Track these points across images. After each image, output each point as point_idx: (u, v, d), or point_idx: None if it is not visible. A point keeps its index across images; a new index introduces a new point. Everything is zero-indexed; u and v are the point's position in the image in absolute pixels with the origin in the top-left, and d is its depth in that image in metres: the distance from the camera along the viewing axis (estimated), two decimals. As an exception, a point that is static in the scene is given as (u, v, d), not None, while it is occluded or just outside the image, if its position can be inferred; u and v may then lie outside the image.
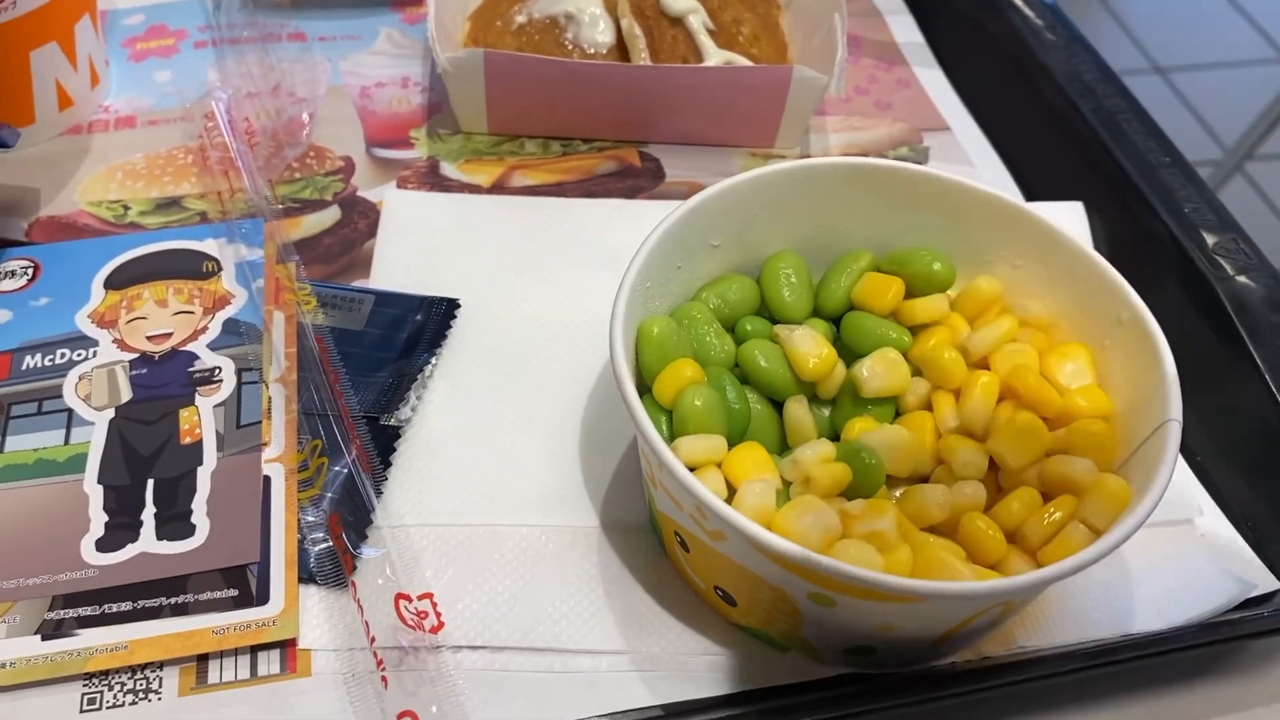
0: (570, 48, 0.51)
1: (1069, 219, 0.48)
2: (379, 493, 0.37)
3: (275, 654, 0.34)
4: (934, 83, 0.56)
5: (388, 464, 0.38)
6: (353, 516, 0.36)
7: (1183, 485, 0.40)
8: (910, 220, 0.40)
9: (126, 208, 0.46)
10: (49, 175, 0.48)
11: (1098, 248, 0.48)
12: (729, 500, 0.33)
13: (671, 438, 0.35)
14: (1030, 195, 0.50)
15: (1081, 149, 0.50)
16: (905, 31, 0.59)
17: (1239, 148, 1.27)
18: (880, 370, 0.36)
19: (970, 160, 0.51)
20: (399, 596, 0.34)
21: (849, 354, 0.38)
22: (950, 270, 0.38)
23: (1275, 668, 0.36)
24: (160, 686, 0.33)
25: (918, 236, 0.40)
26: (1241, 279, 0.44)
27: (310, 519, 0.36)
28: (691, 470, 0.33)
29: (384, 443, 0.38)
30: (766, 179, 0.38)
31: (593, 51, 0.51)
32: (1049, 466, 0.34)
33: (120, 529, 0.36)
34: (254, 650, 0.34)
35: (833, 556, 0.30)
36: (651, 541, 0.37)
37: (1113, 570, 0.37)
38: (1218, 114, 1.28)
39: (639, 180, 0.49)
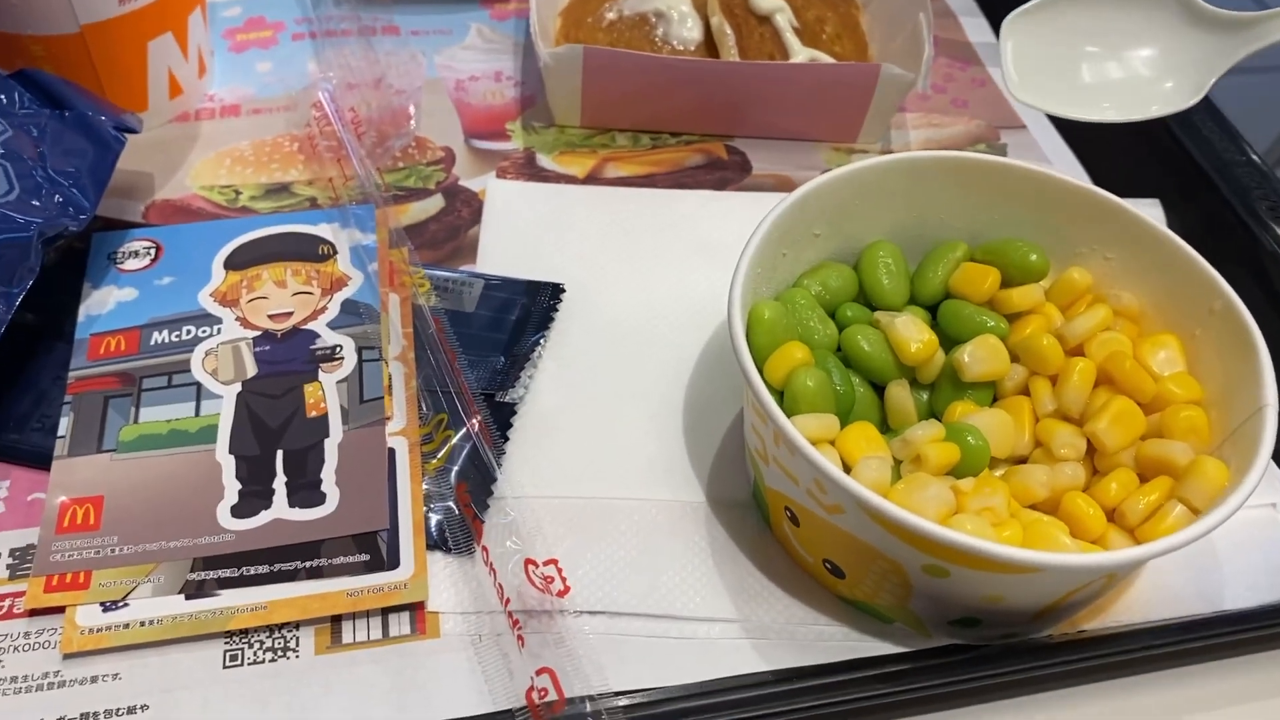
0: (660, 44, 0.52)
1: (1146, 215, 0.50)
2: (499, 465, 0.38)
3: (405, 616, 0.36)
4: (1008, 82, 0.57)
5: (506, 438, 0.39)
6: (478, 486, 0.38)
7: (1269, 473, 0.41)
8: (1004, 213, 0.41)
9: (238, 192, 0.48)
10: (161, 160, 0.50)
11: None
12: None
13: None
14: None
15: (1155, 146, 0.52)
16: (979, 32, 0.60)
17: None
18: (982, 355, 0.38)
19: (1046, 157, 0.53)
20: (527, 561, 0.35)
21: (946, 340, 0.40)
22: (1045, 261, 0.40)
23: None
24: (297, 645, 0.35)
25: (1011, 229, 0.41)
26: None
27: (436, 488, 0.38)
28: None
29: (501, 418, 0.40)
30: (869, 171, 0.40)
31: (682, 48, 0.52)
32: (1145, 449, 0.36)
33: (253, 496, 0.38)
34: (385, 612, 0.36)
35: (950, 529, 0.32)
36: (755, 517, 0.39)
37: (1201, 550, 0.38)
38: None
39: (727, 172, 0.51)
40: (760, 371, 0.37)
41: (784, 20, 0.52)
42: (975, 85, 0.57)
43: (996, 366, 0.38)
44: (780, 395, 0.36)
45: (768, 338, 0.37)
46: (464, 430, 0.39)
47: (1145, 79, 0.43)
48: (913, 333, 0.38)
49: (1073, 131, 0.55)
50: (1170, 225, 0.50)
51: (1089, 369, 0.37)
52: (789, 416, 0.36)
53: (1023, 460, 0.38)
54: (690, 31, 0.53)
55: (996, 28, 0.61)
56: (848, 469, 0.34)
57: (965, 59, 0.59)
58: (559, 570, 0.36)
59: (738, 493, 0.39)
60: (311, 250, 0.45)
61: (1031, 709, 0.36)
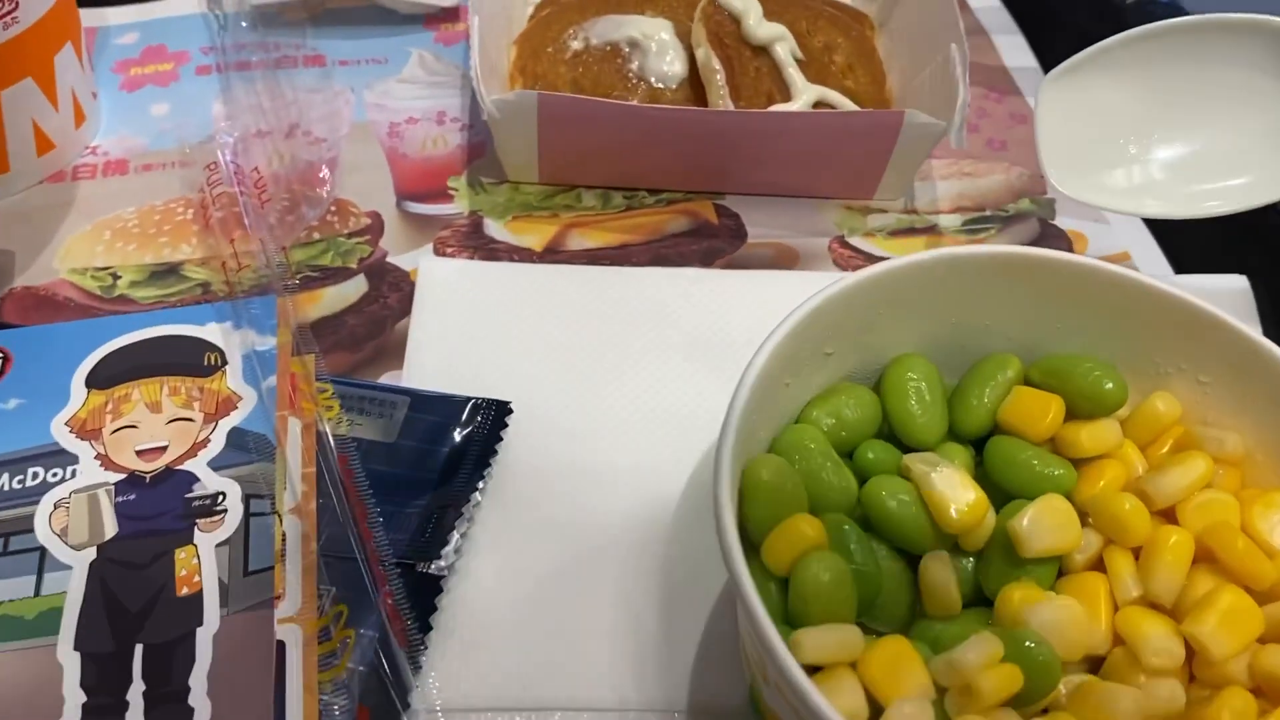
0: (635, 81, 0.43)
1: (1231, 298, 0.41)
2: (416, 667, 0.30)
3: None
4: (1052, 117, 0.48)
5: (427, 628, 0.31)
6: (386, 705, 0.29)
7: None
8: (1066, 320, 0.33)
9: (116, 277, 0.39)
10: (25, 235, 0.41)
11: (1266, 331, 0.40)
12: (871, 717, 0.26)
13: (786, 614, 0.28)
14: (1179, 265, 0.43)
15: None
16: (1016, 54, 0.51)
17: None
18: (1047, 525, 0.29)
19: (1104, 216, 0.44)
20: (447, 827, 0.27)
21: (994, 489, 0.31)
22: (1123, 388, 0.31)
23: None
24: None
25: (1075, 340, 0.33)
26: None
27: (338, 705, 0.29)
28: (817, 670, 0.27)
29: (423, 598, 0.31)
30: (896, 274, 0.31)
31: (661, 86, 0.43)
32: (1264, 659, 0.27)
33: (100, 713, 0.29)
34: None
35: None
36: (755, 727, 0.30)
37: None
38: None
39: (716, 241, 0.42)
40: (759, 552, 0.28)
41: (785, 51, 0.43)
42: (1014, 122, 0.48)
43: (1065, 539, 0.29)
44: (784, 583, 0.28)
45: (768, 508, 0.28)
46: (371, 619, 0.30)
47: (1233, 158, 0.32)
48: (955, 490, 0.29)
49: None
50: (1262, 307, 0.41)
51: (1185, 544, 0.29)
52: (797, 625, 0.27)
53: (1099, 659, 0.29)
54: (671, 65, 0.43)
55: (1038, 48, 0.52)
56: (874, 707, 0.26)
57: (1001, 88, 0.49)
58: (489, 834, 0.27)
59: (730, 695, 0.31)
60: (196, 360, 0.36)
61: None
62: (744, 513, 0.29)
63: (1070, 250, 0.41)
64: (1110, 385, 0.31)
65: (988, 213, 0.44)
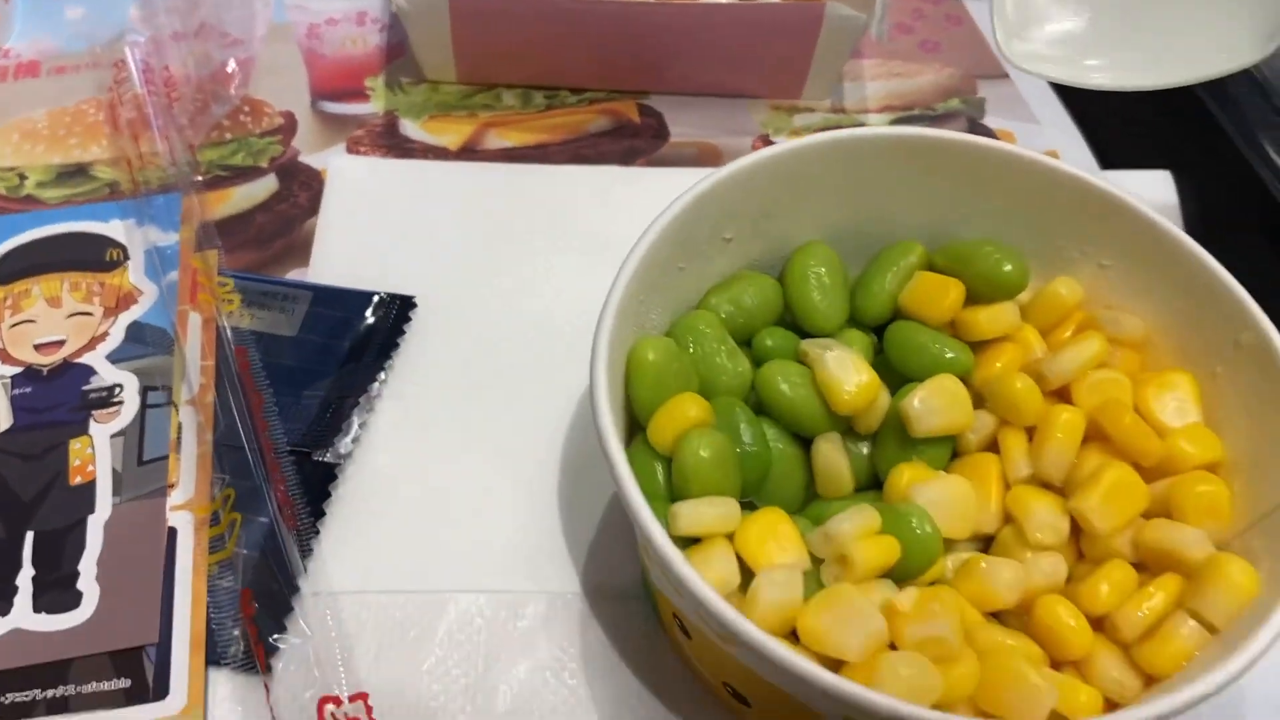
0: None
1: (1153, 192, 0.40)
2: (307, 551, 0.30)
3: (177, 761, 0.27)
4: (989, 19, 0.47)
5: (320, 513, 0.31)
6: (271, 586, 0.29)
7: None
8: (971, 205, 0.32)
9: (23, 177, 0.39)
10: (-67, 136, 0.40)
11: (1187, 228, 0.40)
12: (743, 584, 0.26)
13: (671, 493, 0.28)
14: (1106, 161, 0.42)
15: (1169, 105, 0.42)
16: (955, -45, 0.50)
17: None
18: (937, 405, 0.28)
19: (1034, 116, 0.43)
20: (324, 700, 0.27)
21: (893, 374, 0.30)
22: (1024, 271, 0.31)
23: None
24: (32, 804, 0.27)
25: (980, 225, 0.32)
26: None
27: (224, 585, 0.29)
28: (696, 542, 0.26)
29: (317, 485, 0.31)
30: (793, 155, 0.31)
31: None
32: (1147, 534, 0.27)
33: (-11, 596, 0.29)
34: (151, 756, 0.27)
35: (877, 675, 0.23)
36: (646, 611, 0.30)
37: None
38: None
39: (637, 140, 0.41)
40: (644, 433, 0.28)
41: (708, -54, 0.42)
42: (950, 24, 0.47)
43: (955, 418, 0.29)
44: (670, 463, 0.28)
45: (652, 389, 0.28)
46: (261, 506, 0.30)
47: (1193, 25, 0.30)
48: (847, 372, 0.29)
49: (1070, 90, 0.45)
50: (1184, 203, 0.40)
51: (1075, 423, 0.28)
52: (678, 498, 0.27)
53: (988, 538, 0.29)
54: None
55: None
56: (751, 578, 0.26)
57: (938, -11, 0.48)
58: (368, 709, 0.27)
59: (626, 579, 0.31)
60: (97, 256, 0.36)
61: None
62: (630, 393, 0.28)
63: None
64: (1009, 268, 0.30)
65: (916, 112, 0.43)
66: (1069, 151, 0.42)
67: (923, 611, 0.25)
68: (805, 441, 0.30)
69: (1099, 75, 0.31)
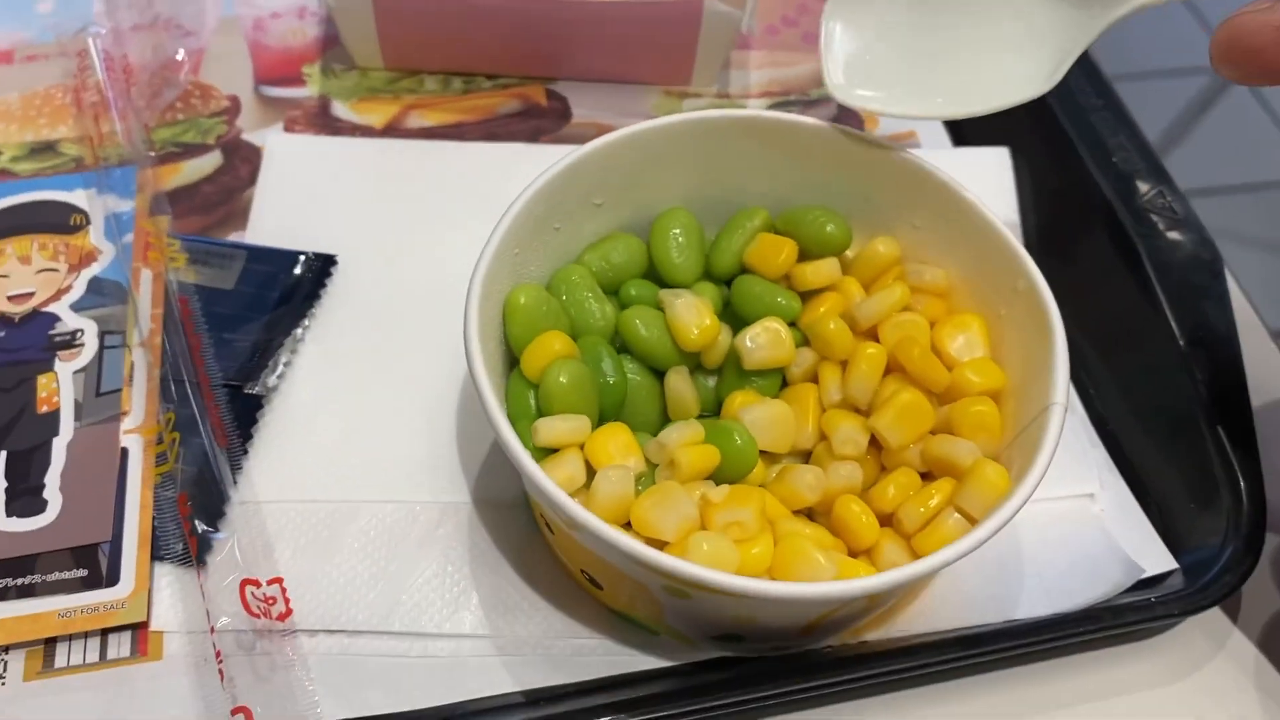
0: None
1: (993, 166, 0.46)
2: (237, 468, 0.35)
3: (126, 636, 0.33)
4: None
5: (249, 436, 0.36)
6: (205, 495, 0.34)
7: (1084, 456, 0.38)
8: (809, 176, 0.37)
9: (-2, 152, 0.44)
10: (-83, 116, 0.45)
11: (1023, 198, 0.46)
12: (588, 485, 0.31)
13: (539, 415, 0.33)
14: (959, 139, 0.48)
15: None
16: (841, -45, 0.55)
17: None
18: (763, 342, 0.34)
19: (897, 100, 0.49)
20: (245, 582, 0.32)
21: (738, 321, 0.36)
22: (845, 231, 0.36)
23: (1161, 655, 0.35)
24: (4, 671, 0.32)
25: (818, 194, 0.37)
26: (1169, 235, 0.41)
27: (167, 495, 0.34)
28: (554, 452, 0.32)
29: (246, 413, 0.36)
30: (651, 132, 0.36)
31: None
32: (931, 447, 0.33)
33: (-32, 504, 0.34)
34: (104, 633, 0.33)
35: (686, 550, 0.29)
36: (525, 517, 0.36)
37: (1001, 549, 0.35)
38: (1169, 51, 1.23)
39: (543, 121, 0.47)
40: (519, 367, 0.34)
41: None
42: (831, 17, 0.52)
43: (778, 354, 0.34)
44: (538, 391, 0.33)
45: (524, 327, 0.33)
46: (197, 428, 0.35)
47: (991, 64, 0.35)
48: (692, 316, 0.35)
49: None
50: (1020, 176, 0.46)
51: (878, 356, 0.34)
52: (542, 416, 0.32)
53: (808, 455, 0.35)
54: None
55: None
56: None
57: (824, -14, 0.54)
58: (283, 590, 0.33)
59: (509, 492, 0.36)
60: (63, 221, 0.41)
61: (808, 724, 0.33)
62: (507, 331, 0.34)
63: (862, 128, 0.46)
64: (831, 229, 0.36)
65: (792, 97, 0.49)
66: (926, 130, 0.48)
67: (728, 502, 0.30)
68: (661, 375, 0.36)
69: (905, 106, 0.36)
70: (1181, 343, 0.39)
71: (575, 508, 0.28)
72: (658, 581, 0.29)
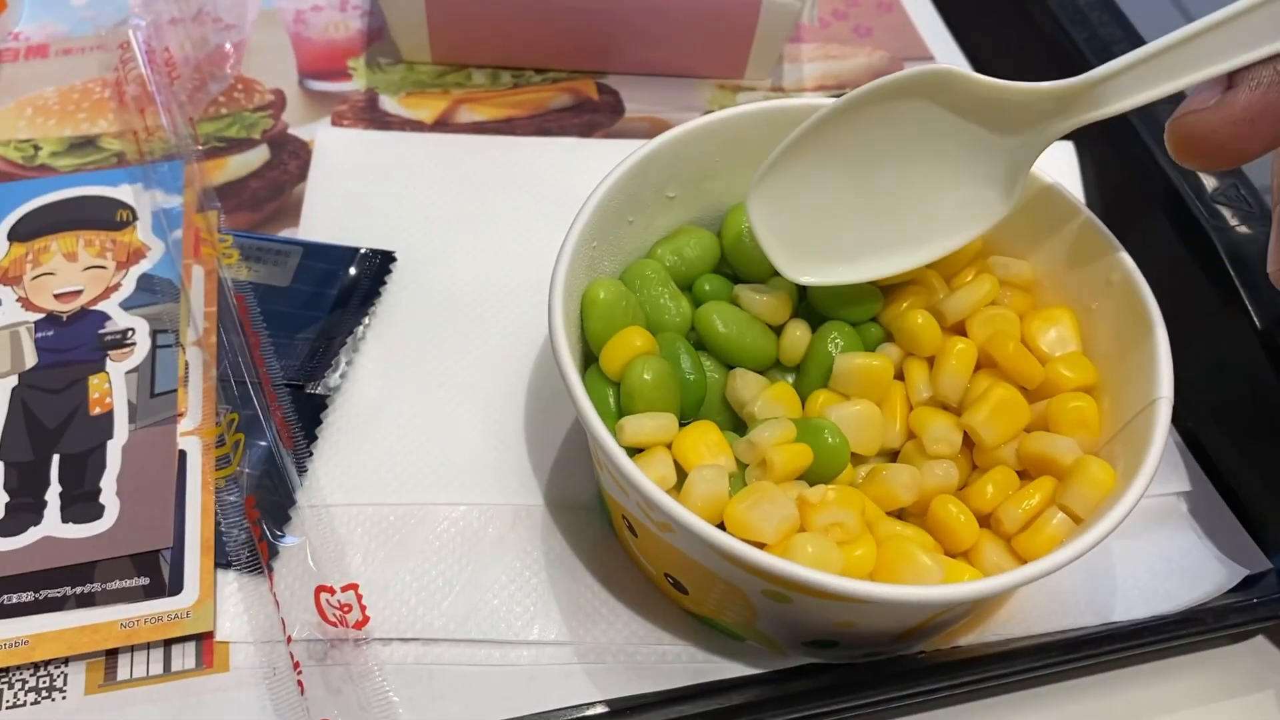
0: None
1: (1058, 160, 0.45)
2: (303, 470, 0.34)
3: (190, 647, 0.32)
4: (919, 7, 0.52)
5: (313, 437, 0.35)
6: (272, 498, 0.33)
7: (1169, 454, 0.37)
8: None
9: (37, 148, 0.43)
10: (-48, 111, 0.44)
11: (1088, 191, 0.45)
12: (679, 485, 0.30)
13: (619, 412, 0.32)
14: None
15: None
16: (888, -52, 0.54)
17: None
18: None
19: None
20: (320, 589, 0.31)
21: (816, 317, 0.35)
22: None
23: (1262, 656, 0.34)
24: (65, 684, 0.31)
25: (893, 185, 0.36)
26: (1241, 229, 0.40)
27: (229, 499, 0.33)
28: (640, 451, 0.31)
29: (309, 413, 0.35)
30: (726, 122, 0.35)
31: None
32: (1028, 444, 0.32)
33: (21, 510, 0.33)
34: (167, 644, 0.32)
35: (789, 552, 0.28)
36: (601, 520, 0.35)
37: (1095, 553, 0.34)
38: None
39: (596, 115, 0.46)
40: (598, 362, 0.32)
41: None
42: (881, 11, 0.51)
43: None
44: (619, 389, 0.32)
45: (603, 323, 0.32)
46: (261, 430, 0.34)
47: (945, 203, 0.32)
48: (775, 312, 0.34)
49: (986, 64, 0.50)
50: (1085, 169, 0.45)
51: (968, 351, 0.33)
52: (625, 415, 0.31)
53: (895, 454, 0.33)
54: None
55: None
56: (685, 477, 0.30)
57: (872, -20, 0.53)
58: (359, 597, 0.31)
59: (583, 493, 0.35)
60: (109, 217, 0.40)
61: (900, 732, 0.32)
62: (585, 327, 0.33)
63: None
64: (914, 220, 0.35)
65: (847, 90, 0.48)
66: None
67: (829, 502, 0.29)
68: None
69: (862, 272, 0.33)
70: (1262, 334, 0.38)
71: (675, 506, 0.27)
72: (758, 585, 0.28)
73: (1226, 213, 0.41)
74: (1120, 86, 0.29)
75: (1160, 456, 0.29)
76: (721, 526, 0.29)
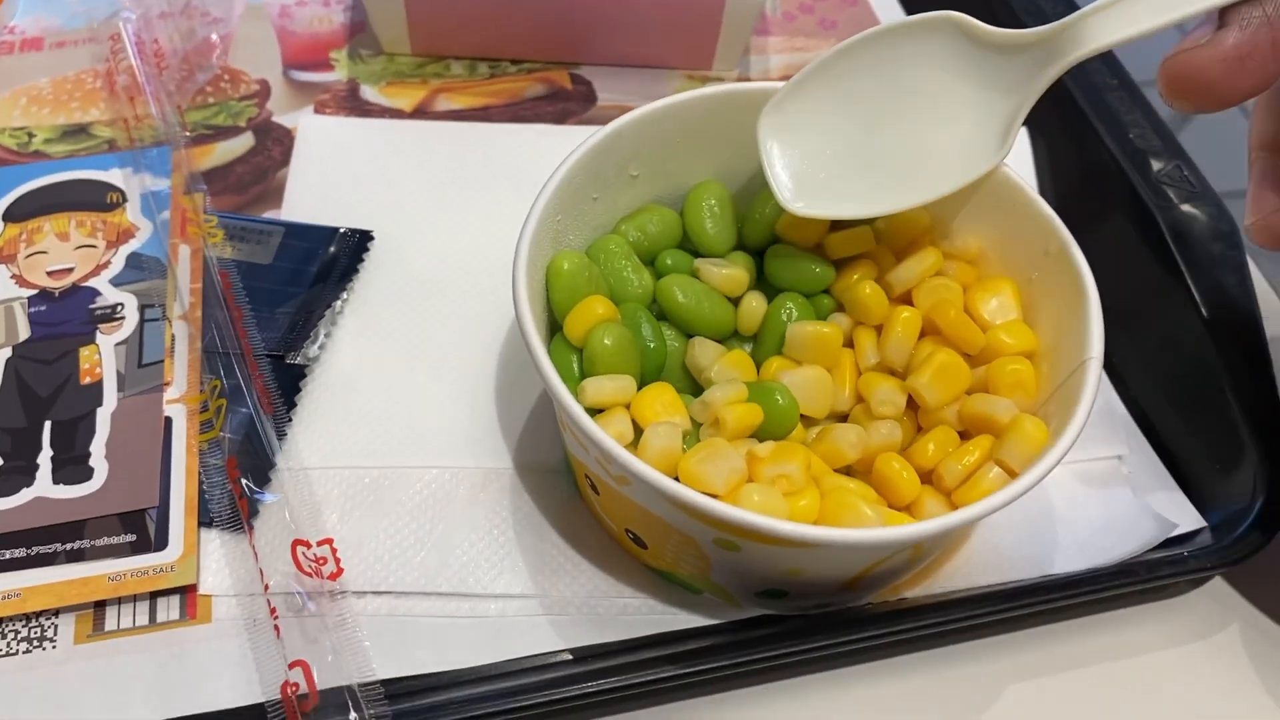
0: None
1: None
2: (282, 434, 0.36)
3: (175, 600, 0.33)
4: (882, 1, 0.54)
5: (292, 404, 0.36)
6: (252, 460, 0.35)
7: (1111, 421, 0.39)
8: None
9: (31, 135, 0.44)
10: (-52, 100, 0.46)
11: (1040, 173, 0.47)
12: (636, 442, 0.32)
13: (583, 377, 0.34)
14: (974, 119, 0.49)
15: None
16: (854, -55, 0.56)
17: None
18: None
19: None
20: (296, 542, 0.33)
21: (771, 289, 0.37)
22: (874, 202, 0.37)
23: (1192, 610, 0.35)
24: (55, 634, 0.33)
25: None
26: (1185, 208, 0.42)
27: (212, 461, 0.35)
28: (599, 412, 0.33)
29: (289, 382, 0.37)
30: (685, 105, 0.37)
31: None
32: (968, 405, 0.33)
33: (15, 473, 0.35)
34: (153, 596, 0.33)
35: (737, 501, 0.29)
36: (567, 482, 0.36)
37: (1035, 509, 0.36)
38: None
39: (569, 104, 0.48)
40: (563, 332, 0.34)
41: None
42: (846, 4, 0.53)
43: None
44: (582, 355, 0.34)
45: (567, 293, 0.34)
46: (242, 397, 0.36)
47: (940, 148, 0.33)
48: (731, 283, 0.35)
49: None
50: (1037, 152, 0.47)
51: (913, 319, 0.35)
52: (587, 377, 0.33)
53: (845, 418, 0.35)
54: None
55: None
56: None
57: (838, -25, 0.55)
58: (334, 551, 0.33)
59: (549, 457, 0.37)
60: (99, 199, 0.41)
61: (850, 680, 0.34)
62: (550, 297, 0.34)
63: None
64: (862, 199, 0.37)
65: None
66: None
67: (775, 456, 0.31)
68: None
69: (861, 208, 0.34)
70: (1203, 310, 0.39)
71: (630, 459, 0.29)
72: (709, 534, 0.30)
73: (1171, 193, 0.43)
74: (1107, 22, 0.30)
75: (1089, 411, 0.30)
76: (677, 480, 0.31)
